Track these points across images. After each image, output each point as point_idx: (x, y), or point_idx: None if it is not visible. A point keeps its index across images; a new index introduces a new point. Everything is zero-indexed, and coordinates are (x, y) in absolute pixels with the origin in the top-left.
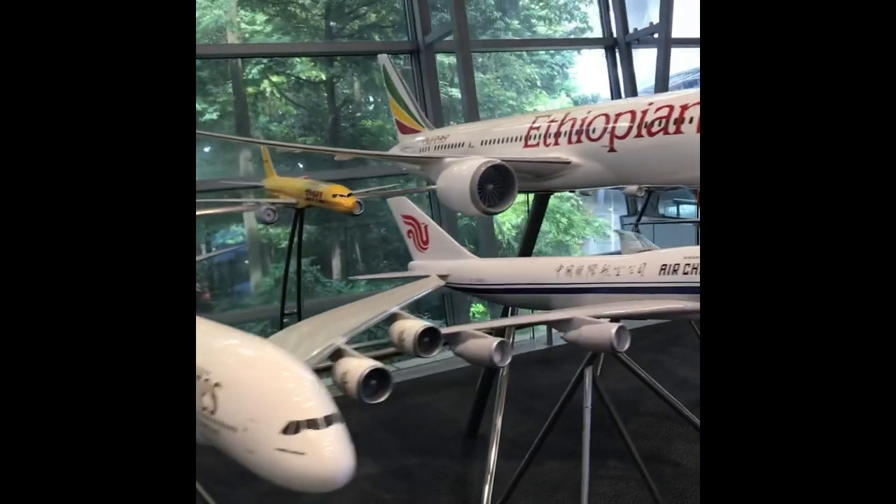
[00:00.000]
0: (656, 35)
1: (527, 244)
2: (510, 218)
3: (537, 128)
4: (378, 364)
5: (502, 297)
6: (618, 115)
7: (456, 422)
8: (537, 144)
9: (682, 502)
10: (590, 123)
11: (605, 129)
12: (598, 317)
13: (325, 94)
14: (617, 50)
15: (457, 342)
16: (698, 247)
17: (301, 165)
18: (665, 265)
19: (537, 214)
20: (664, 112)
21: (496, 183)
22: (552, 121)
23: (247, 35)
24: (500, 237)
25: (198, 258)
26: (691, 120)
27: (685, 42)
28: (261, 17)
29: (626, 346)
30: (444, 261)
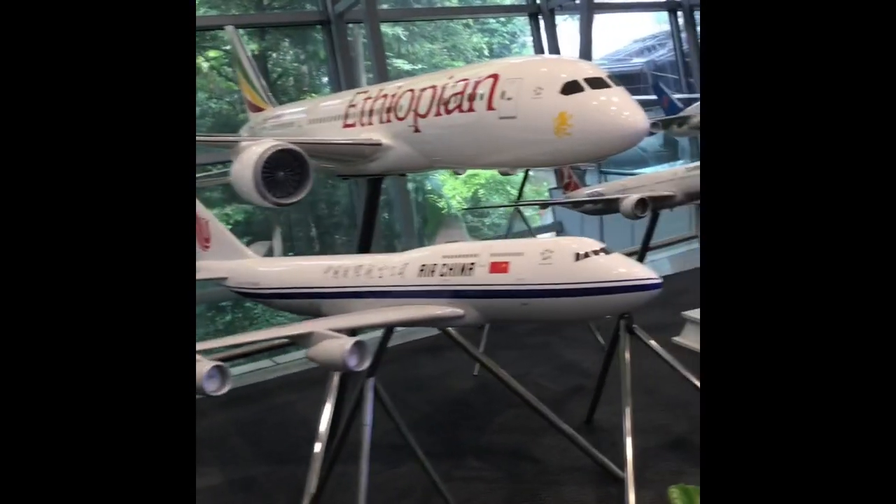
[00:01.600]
0: (577, 0)
1: (364, 234)
2: (461, 191)
3: (354, 105)
4: None
5: (276, 304)
6: (421, 91)
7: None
8: (354, 124)
9: None
10: (398, 100)
11: (410, 107)
12: (340, 330)
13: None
14: (541, 17)
15: None
16: (460, 243)
17: None
18: (424, 266)
19: (372, 200)
20: (460, 87)
21: (290, 169)
22: (367, 97)
23: None
24: (446, 211)
25: None
26: (482, 97)
27: (608, 7)
28: None
29: (367, 363)
30: (225, 261)
